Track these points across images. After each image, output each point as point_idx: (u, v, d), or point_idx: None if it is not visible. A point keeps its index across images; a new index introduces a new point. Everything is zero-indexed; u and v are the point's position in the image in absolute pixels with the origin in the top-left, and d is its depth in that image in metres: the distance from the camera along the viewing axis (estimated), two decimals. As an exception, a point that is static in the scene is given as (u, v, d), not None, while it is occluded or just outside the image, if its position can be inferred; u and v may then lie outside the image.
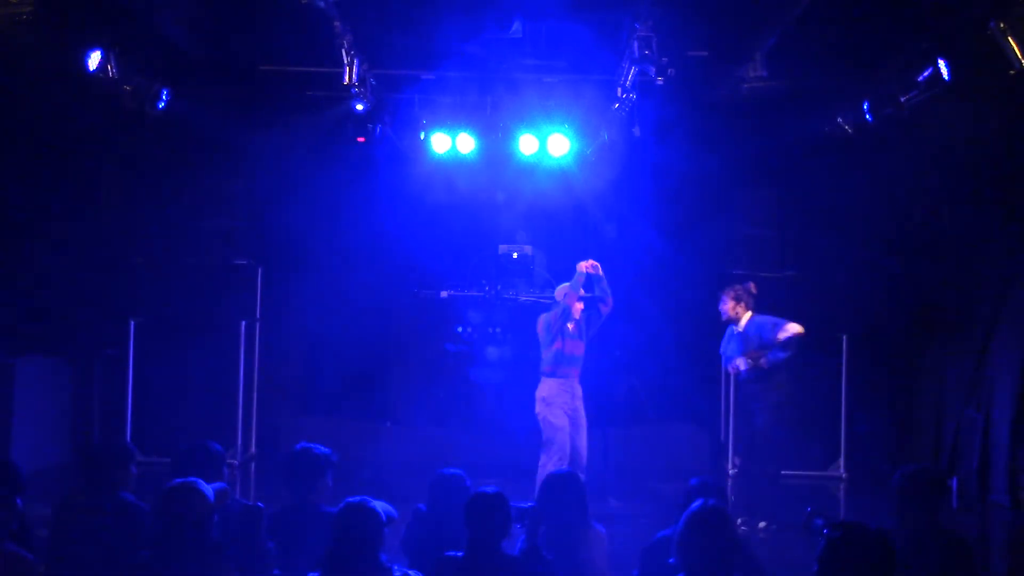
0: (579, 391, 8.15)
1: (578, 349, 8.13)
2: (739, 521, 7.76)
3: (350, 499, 4.10)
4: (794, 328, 8.10)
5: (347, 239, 10.76)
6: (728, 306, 8.28)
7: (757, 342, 8.15)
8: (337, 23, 7.32)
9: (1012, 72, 6.34)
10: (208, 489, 4.11)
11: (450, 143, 10.33)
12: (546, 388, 8.06)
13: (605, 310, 8.23)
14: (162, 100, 8.43)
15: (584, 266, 8.01)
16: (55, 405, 10.14)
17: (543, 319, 8.21)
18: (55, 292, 9.71)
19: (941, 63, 7.17)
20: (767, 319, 8.24)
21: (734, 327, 8.34)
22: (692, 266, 10.69)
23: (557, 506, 4.83)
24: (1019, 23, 6.21)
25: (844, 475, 10.07)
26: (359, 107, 9.06)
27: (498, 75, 9.24)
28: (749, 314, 8.28)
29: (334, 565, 3.97)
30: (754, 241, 10.39)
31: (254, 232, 10.67)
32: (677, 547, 3.76)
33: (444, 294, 10.54)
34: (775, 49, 7.55)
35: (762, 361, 8.10)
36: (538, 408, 8.05)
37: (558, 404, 7.96)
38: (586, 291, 8.09)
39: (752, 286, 8.43)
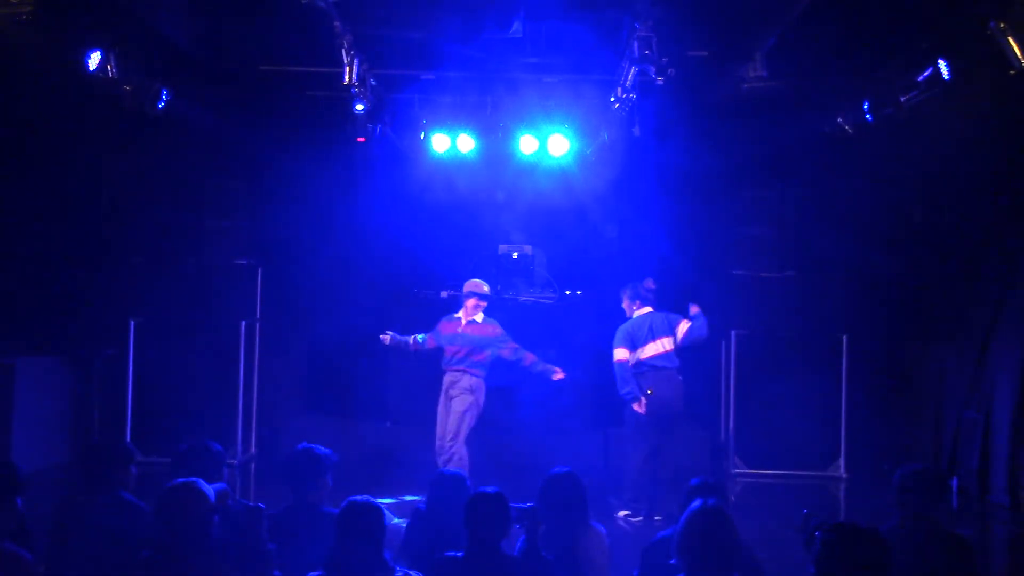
0: (463, 382, 8.51)
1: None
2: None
3: (354, 497, 4.10)
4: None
5: (347, 239, 10.77)
6: (624, 304, 8.52)
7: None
8: (337, 23, 7.31)
9: (1012, 72, 6.34)
10: (208, 489, 4.10)
11: (450, 143, 10.33)
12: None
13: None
14: (162, 100, 8.42)
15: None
16: (55, 405, 10.14)
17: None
18: (55, 292, 9.72)
19: (941, 63, 7.17)
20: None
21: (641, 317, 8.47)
22: (692, 266, 10.69)
23: (557, 506, 4.83)
24: (1019, 23, 6.21)
25: (844, 475, 10.07)
26: (359, 107, 9.05)
27: (498, 75, 9.23)
28: (648, 309, 8.48)
29: (337, 563, 3.96)
30: (754, 241, 10.39)
31: (254, 232, 10.66)
32: (677, 547, 3.76)
33: (444, 294, 10.52)
34: (775, 49, 7.55)
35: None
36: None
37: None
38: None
39: (649, 282, 8.70)
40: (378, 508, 4.06)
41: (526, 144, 10.27)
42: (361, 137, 10.09)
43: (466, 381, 8.46)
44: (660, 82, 6.92)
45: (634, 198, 10.56)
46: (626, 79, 7.90)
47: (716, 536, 3.72)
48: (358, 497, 4.10)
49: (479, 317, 8.60)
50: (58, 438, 10.09)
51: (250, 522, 4.47)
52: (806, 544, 3.64)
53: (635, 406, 8.23)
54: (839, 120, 8.99)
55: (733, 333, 10.23)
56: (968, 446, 9.24)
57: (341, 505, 4.09)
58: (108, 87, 7.80)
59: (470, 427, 8.43)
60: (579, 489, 4.96)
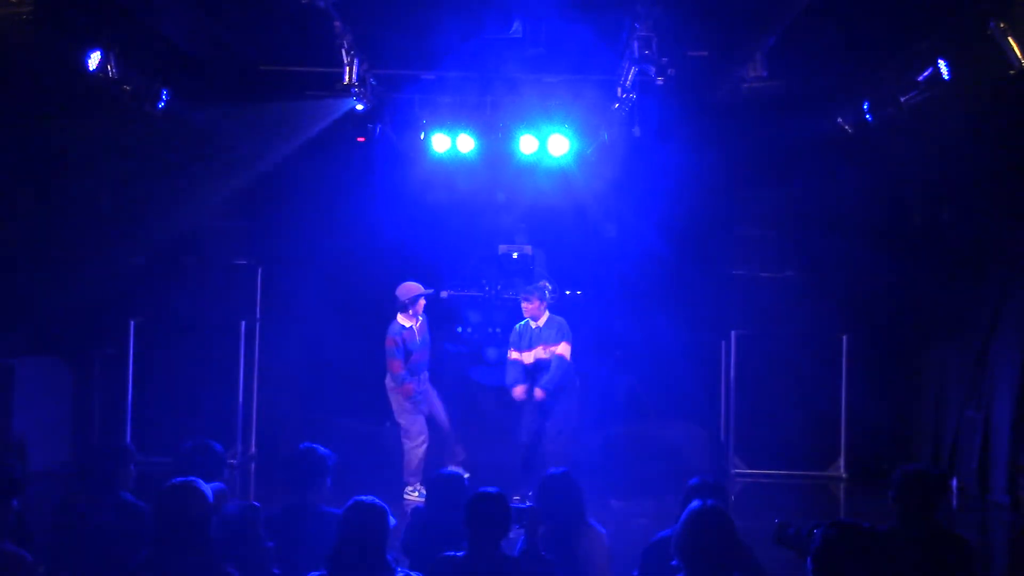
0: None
1: None
2: None
3: (359, 497, 4.10)
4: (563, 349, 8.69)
5: (347, 239, 10.76)
6: (535, 305, 8.73)
7: (553, 339, 8.68)
8: (337, 23, 7.33)
9: (1012, 72, 6.34)
10: (207, 488, 4.11)
11: (450, 143, 10.33)
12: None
13: None
14: (162, 100, 8.43)
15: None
16: (55, 405, 10.13)
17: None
18: (55, 292, 9.71)
19: (941, 63, 7.17)
20: (558, 318, 8.83)
21: (530, 323, 8.77)
22: (692, 266, 10.69)
23: (554, 506, 4.82)
24: (1019, 23, 6.21)
25: (844, 475, 10.07)
26: (359, 107, 9.06)
27: (498, 75, 9.24)
28: (547, 314, 8.80)
29: (340, 563, 3.97)
30: (754, 241, 10.38)
31: (254, 232, 10.66)
32: (677, 547, 3.76)
33: (444, 294, 10.54)
34: (775, 49, 7.55)
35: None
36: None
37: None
38: None
39: (547, 284, 9.26)
40: (383, 509, 4.07)
41: (526, 144, 10.27)
42: (361, 137, 10.11)
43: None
44: (660, 82, 6.93)
45: (634, 198, 10.55)
46: (626, 79, 7.91)
47: (716, 536, 3.72)
48: (364, 497, 4.10)
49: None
50: (58, 438, 10.08)
51: (246, 520, 4.47)
52: (796, 550, 3.65)
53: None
54: (839, 120, 8.99)
55: (733, 333, 10.24)
56: (968, 446, 9.24)
57: (347, 504, 4.10)
58: (108, 87, 7.80)
59: None
60: (575, 489, 4.96)
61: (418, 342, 8.78)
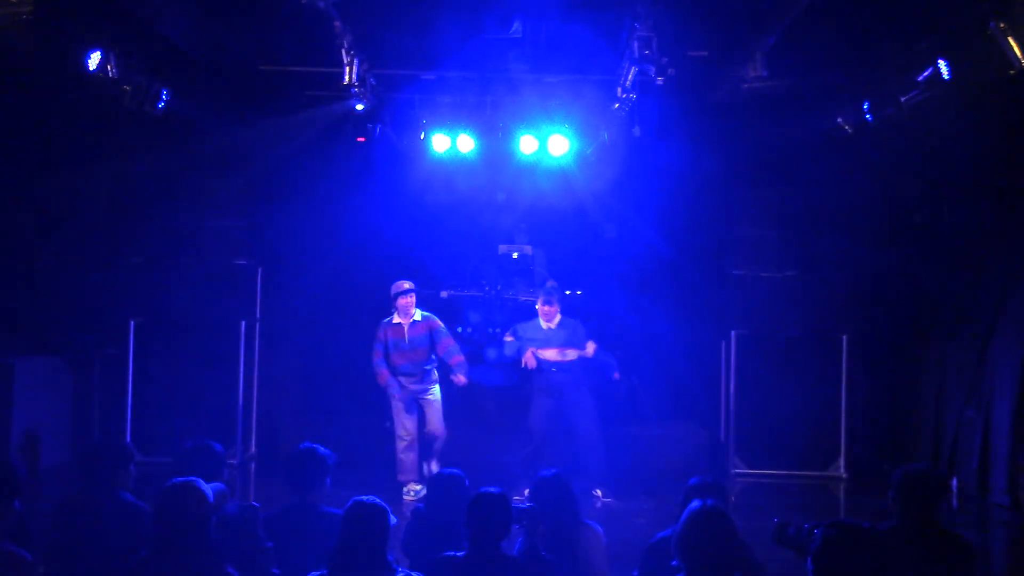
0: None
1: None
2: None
3: (360, 497, 4.10)
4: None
5: (347, 239, 10.77)
6: (556, 308, 8.81)
7: (567, 340, 8.71)
8: (337, 23, 7.33)
9: (1012, 72, 6.34)
10: (207, 488, 4.11)
11: (450, 143, 10.34)
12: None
13: None
14: (162, 100, 8.43)
15: None
16: (55, 405, 10.14)
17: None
18: (55, 292, 9.72)
19: (941, 63, 7.17)
20: (572, 320, 8.96)
21: (540, 323, 8.81)
22: (692, 266, 10.70)
23: (548, 507, 4.83)
24: (1019, 23, 6.21)
25: (844, 475, 10.07)
26: (359, 107, 9.07)
27: (498, 75, 9.25)
28: (559, 316, 8.88)
29: (341, 563, 3.97)
30: (754, 241, 10.39)
31: (254, 232, 10.66)
32: (677, 547, 3.76)
33: (444, 294, 10.55)
34: (775, 49, 7.55)
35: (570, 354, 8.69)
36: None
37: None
38: None
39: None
40: (383, 509, 4.07)
41: (526, 144, 10.28)
42: (361, 137, 10.12)
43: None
44: (660, 82, 6.94)
45: (634, 198, 10.55)
46: (626, 79, 7.91)
47: (716, 536, 3.72)
48: (365, 497, 4.10)
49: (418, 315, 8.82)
50: (58, 438, 10.09)
51: (246, 520, 4.47)
52: (796, 550, 3.65)
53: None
54: (839, 120, 8.99)
55: (733, 333, 10.23)
56: (968, 446, 9.24)
57: (347, 504, 4.10)
58: (108, 87, 7.80)
59: None
60: (567, 490, 4.98)
61: (406, 341, 8.70)
